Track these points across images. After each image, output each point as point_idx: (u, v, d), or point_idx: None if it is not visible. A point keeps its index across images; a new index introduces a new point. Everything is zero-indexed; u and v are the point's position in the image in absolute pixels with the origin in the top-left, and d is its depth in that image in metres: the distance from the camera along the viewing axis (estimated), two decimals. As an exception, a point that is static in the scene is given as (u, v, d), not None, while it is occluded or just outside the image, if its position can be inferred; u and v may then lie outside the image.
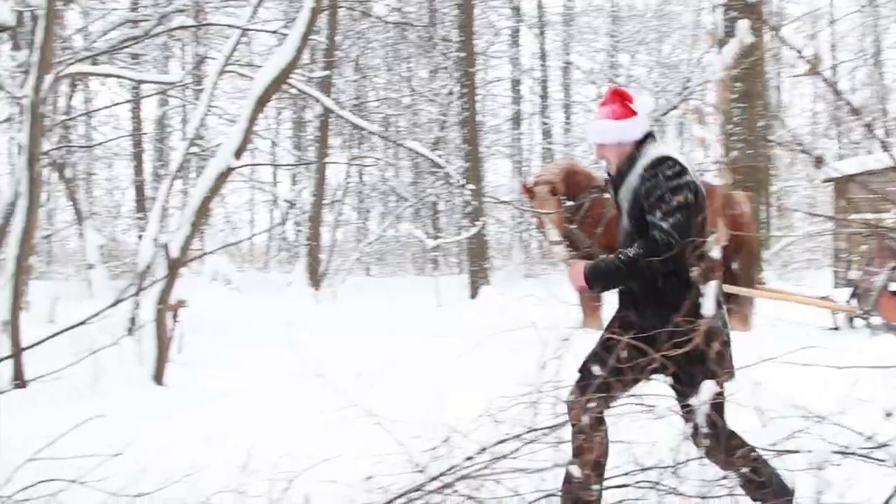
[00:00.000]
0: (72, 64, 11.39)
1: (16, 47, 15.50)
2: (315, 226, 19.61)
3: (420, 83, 26.41)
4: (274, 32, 13.35)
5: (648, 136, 4.76)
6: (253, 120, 8.42)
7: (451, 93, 23.97)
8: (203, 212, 8.63)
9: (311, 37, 8.38)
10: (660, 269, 4.37)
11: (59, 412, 6.98)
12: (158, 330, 8.84)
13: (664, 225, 4.37)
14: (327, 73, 17.99)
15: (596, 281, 4.48)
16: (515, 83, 30.44)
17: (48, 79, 9.40)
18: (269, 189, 27.13)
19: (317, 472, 3.97)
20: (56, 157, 16.91)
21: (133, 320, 10.71)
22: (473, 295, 18.57)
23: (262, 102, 8.41)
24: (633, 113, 4.79)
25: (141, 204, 25.52)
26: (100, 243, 19.57)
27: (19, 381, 8.65)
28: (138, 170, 25.72)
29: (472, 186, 17.70)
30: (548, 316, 11.83)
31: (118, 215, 26.22)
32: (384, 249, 27.41)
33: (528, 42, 31.37)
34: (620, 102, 4.82)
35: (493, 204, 21.77)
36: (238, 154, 8.37)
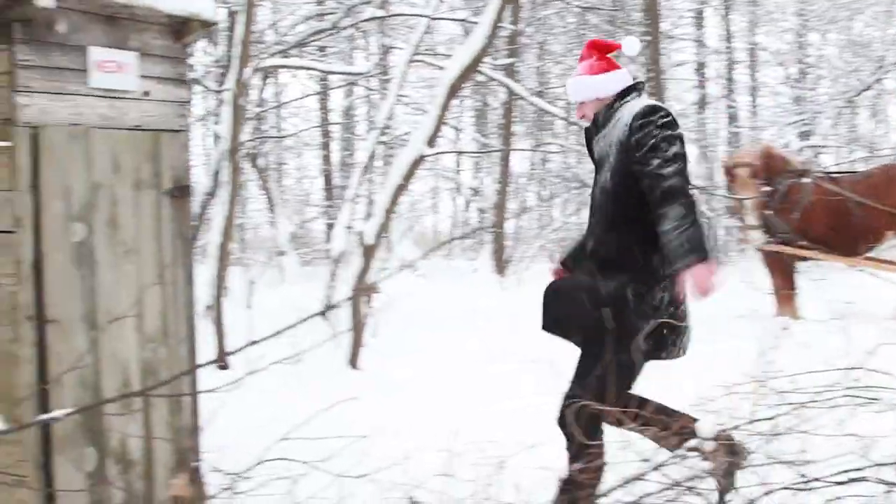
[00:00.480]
0: (267, 58, 11.72)
1: (211, 43, 16.10)
2: (500, 213, 19.65)
3: (602, 68, 26.07)
4: (462, 21, 13.41)
5: (631, 90, 4.51)
6: (445, 108, 8.50)
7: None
8: (396, 199, 8.76)
9: (500, 24, 8.35)
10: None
11: (265, 396, 7.21)
12: (354, 315, 9.03)
13: (665, 172, 4.07)
14: (512, 60, 17.99)
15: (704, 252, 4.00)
16: (700, 66, 29.66)
17: (247, 72, 9.72)
18: (452, 176, 27.34)
19: (523, 459, 3.96)
20: (250, 147, 17.47)
21: (328, 306, 10.98)
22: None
23: (453, 90, 8.47)
24: (613, 67, 4.55)
25: (329, 192, 26.10)
26: (290, 231, 20.15)
27: (223, 363, 9.00)
28: (326, 159, 26.33)
29: (659, 172, 17.41)
30: (742, 303, 11.59)
31: (308, 203, 26.93)
32: (567, 236, 27.22)
33: (714, 23, 30.54)
34: (598, 56, 4.59)
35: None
36: (430, 142, 8.46)
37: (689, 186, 4.10)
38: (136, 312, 5.22)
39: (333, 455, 3.14)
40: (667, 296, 4.15)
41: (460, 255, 24.44)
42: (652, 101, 4.40)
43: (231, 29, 11.22)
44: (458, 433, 4.16)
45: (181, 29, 5.51)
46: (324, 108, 25.65)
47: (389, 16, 13.82)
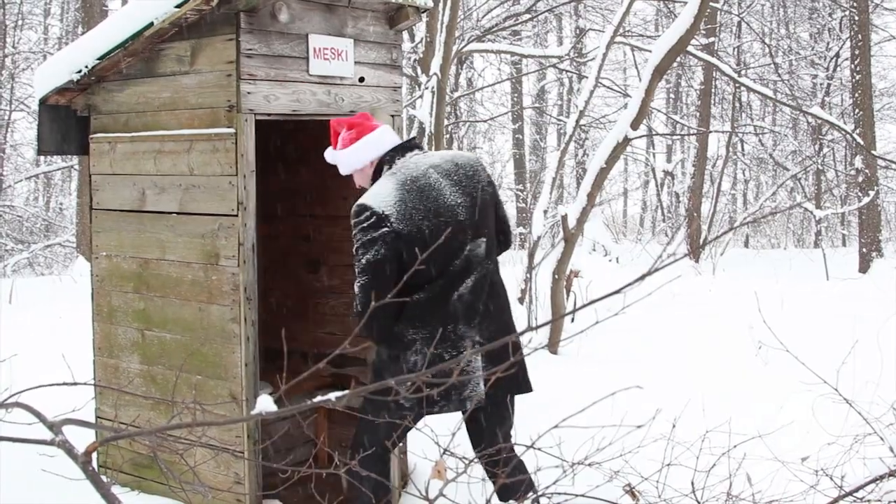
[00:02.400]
0: (467, 43, 11.76)
1: (411, 37, 16.29)
2: (696, 197, 19.25)
3: (802, 46, 25.21)
4: (666, 0, 13.10)
5: (389, 157, 4.43)
6: (651, 91, 8.32)
7: (837, 55, 22.69)
8: (599, 183, 8.65)
9: (711, 3, 8.11)
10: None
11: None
12: (554, 299, 8.98)
13: (355, 288, 4.18)
14: (711, 39, 17.54)
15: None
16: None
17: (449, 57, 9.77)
18: (645, 159, 26.93)
19: (753, 448, 3.82)
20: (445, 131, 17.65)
21: (525, 290, 10.97)
22: (863, 269, 17.51)
23: (660, 72, 8.28)
24: (362, 134, 4.46)
25: (520, 175, 26.17)
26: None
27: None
28: (518, 142, 26.39)
29: (875, 153, 16.67)
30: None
31: (499, 186, 27.06)
32: (763, 220, 26.43)
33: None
34: (348, 126, 4.50)
35: (885, 171, 20.32)
36: (635, 125, 8.31)
37: (370, 301, 4.13)
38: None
39: (563, 441, 3.09)
40: (419, 358, 4.24)
41: (653, 238, 24.05)
42: (366, 195, 4.28)
43: (430, 15, 11.29)
44: (676, 420, 4.03)
45: (395, 15, 5.57)
46: (516, 92, 25.70)
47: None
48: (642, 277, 1.54)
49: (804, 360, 4.54)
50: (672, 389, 6.94)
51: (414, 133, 13.91)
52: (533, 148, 28.05)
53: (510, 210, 27.16)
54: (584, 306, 1.67)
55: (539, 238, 10.55)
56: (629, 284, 1.63)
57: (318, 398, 1.71)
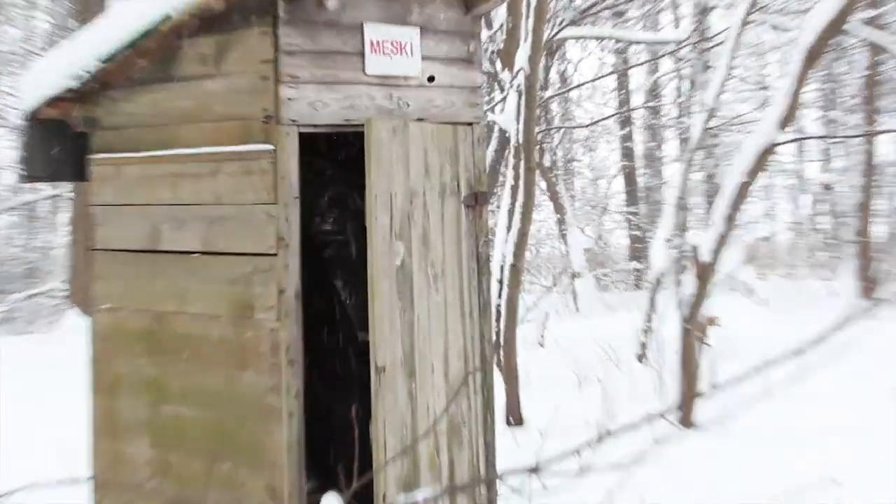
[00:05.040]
0: (561, 29, 11.76)
1: (487, 24, 16.35)
2: (864, 216, 18.90)
3: None
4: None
5: None
6: (802, 80, 8.22)
7: None
8: (740, 202, 8.54)
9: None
10: None
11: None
12: (685, 355, 8.84)
13: None
14: (877, 12, 17.24)
15: None
16: None
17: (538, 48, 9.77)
18: (794, 169, 26.59)
19: None
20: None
21: (645, 344, 10.84)
22: None
23: (812, 57, 8.18)
24: None
25: (632, 195, 25.96)
26: (586, 246, 20.07)
27: (516, 417, 9.06)
28: (627, 152, 26.20)
29: None
30: None
31: (605, 210, 26.85)
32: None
33: None
34: None
35: None
36: (784, 125, 8.20)
37: None
38: (444, 355, 5.23)
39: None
40: None
41: (810, 273, 23.70)
42: None
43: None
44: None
45: (472, -4, 5.55)
46: (623, 90, 25.57)
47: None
48: (837, 328, 1.48)
49: None
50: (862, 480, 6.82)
51: (494, 144, 13.85)
52: (647, 159, 27.86)
53: (621, 239, 26.95)
54: (750, 376, 1.60)
55: (662, 275, 10.46)
56: (817, 341, 1.56)
57: (403, 497, 1.66)
